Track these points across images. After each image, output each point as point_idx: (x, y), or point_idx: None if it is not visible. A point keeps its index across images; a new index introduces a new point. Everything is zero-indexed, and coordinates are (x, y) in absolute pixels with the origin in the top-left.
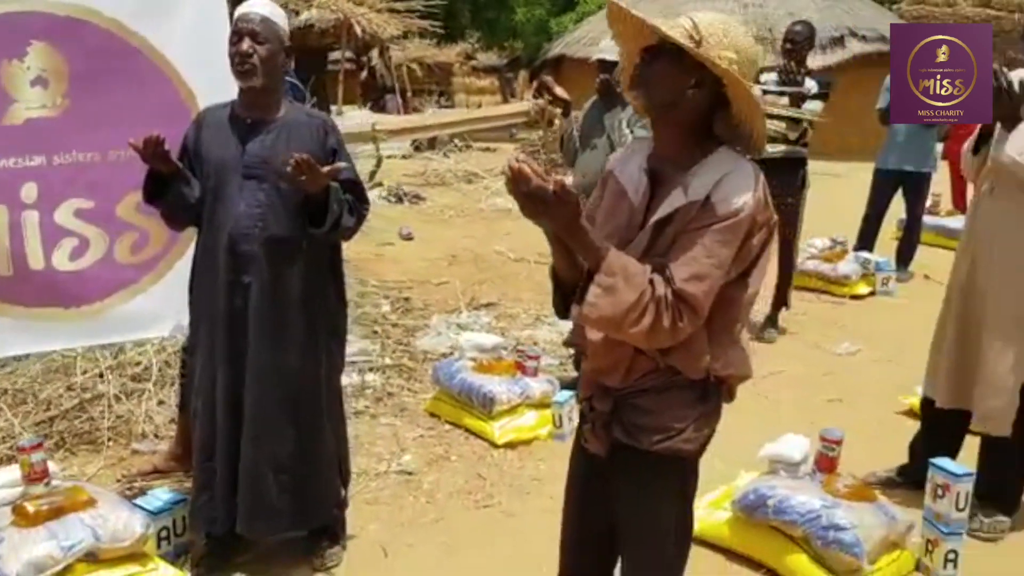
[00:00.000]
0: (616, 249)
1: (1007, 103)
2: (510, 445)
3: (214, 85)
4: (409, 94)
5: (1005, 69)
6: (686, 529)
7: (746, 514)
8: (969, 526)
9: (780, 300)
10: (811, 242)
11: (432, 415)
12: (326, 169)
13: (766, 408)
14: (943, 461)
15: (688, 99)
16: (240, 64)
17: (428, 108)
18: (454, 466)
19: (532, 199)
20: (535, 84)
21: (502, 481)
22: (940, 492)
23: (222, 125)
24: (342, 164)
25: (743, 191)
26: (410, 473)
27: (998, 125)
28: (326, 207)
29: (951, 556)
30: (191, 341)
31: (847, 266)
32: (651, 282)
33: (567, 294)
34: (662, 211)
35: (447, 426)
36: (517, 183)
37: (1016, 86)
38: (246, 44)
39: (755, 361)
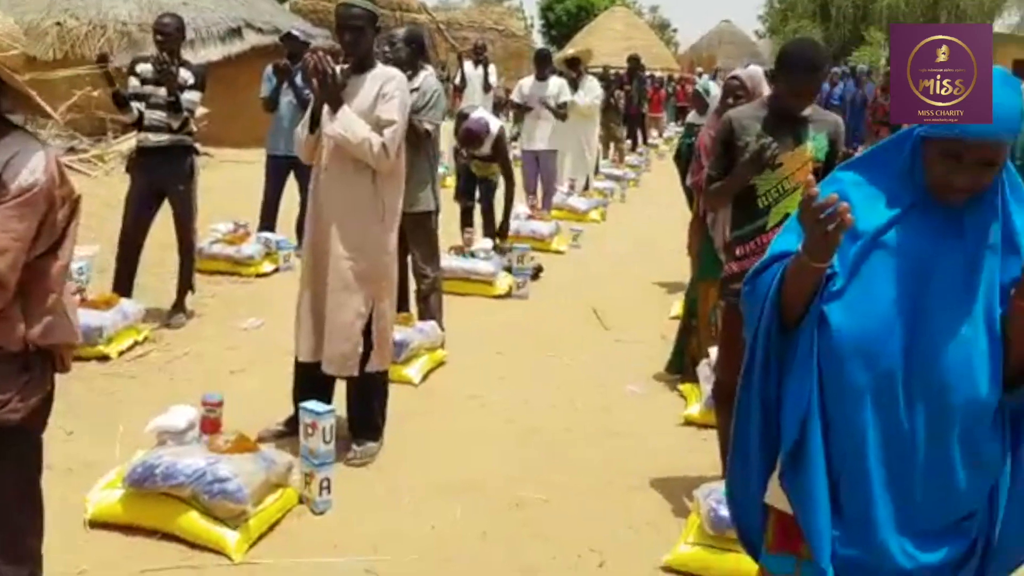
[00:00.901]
0: None
1: (332, 87)
2: None
3: None
4: None
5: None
6: (33, 502)
7: (136, 487)
8: (347, 457)
9: (185, 285)
10: (215, 227)
11: None
12: None
13: (173, 389)
14: (309, 403)
15: None
16: None
17: None
18: None
19: None
20: None
21: None
22: (310, 431)
23: None
24: None
25: (34, 170)
26: None
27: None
28: None
29: (324, 484)
30: None
31: (251, 247)
32: None
33: None
34: None
35: None
36: None
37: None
38: None
39: (165, 346)
